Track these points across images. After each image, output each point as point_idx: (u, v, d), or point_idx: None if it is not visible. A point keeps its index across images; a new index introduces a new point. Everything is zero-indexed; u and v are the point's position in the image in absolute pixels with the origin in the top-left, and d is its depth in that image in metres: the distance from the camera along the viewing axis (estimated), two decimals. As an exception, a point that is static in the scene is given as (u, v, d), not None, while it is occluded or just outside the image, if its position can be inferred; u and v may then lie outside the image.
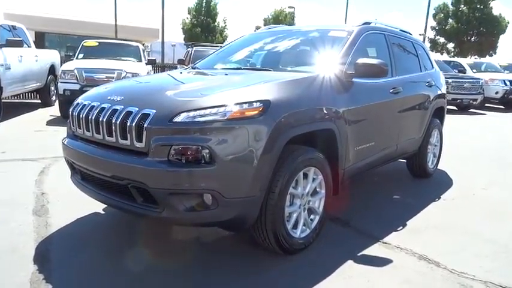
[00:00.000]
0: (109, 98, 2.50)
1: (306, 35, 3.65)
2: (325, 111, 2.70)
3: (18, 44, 7.89)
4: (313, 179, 2.68)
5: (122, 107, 2.32)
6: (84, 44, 9.31)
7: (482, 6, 29.15)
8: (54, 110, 9.17)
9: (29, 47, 9.16)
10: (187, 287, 2.27)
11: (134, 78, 3.30)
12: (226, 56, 3.81)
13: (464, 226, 3.28)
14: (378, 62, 2.95)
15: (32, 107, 9.71)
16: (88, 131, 2.51)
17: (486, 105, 14.54)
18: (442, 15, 30.71)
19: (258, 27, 40.80)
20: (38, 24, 28.34)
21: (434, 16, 31.23)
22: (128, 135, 2.24)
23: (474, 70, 14.81)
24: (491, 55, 31.14)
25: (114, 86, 2.90)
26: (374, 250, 2.77)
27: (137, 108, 2.25)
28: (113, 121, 2.30)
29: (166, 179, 2.13)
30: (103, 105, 2.43)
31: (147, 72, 8.86)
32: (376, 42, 3.64)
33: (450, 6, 31.26)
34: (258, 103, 2.27)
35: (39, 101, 10.35)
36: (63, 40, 35.00)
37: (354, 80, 3.04)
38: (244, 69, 3.26)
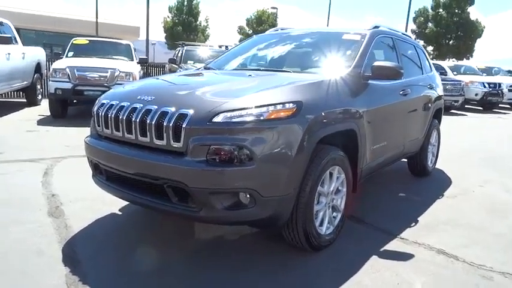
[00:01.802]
0: (139, 97, 2.51)
1: (319, 37, 3.73)
2: (348, 112, 2.79)
3: (7, 41, 7.69)
4: (337, 178, 2.76)
5: (156, 107, 2.34)
6: (74, 42, 9.14)
7: (460, 11, 30.28)
8: (43, 110, 8.97)
9: (15, 44, 8.92)
10: (218, 285, 2.31)
11: (157, 78, 3.26)
12: (240, 57, 3.85)
13: (471, 221, 3.43)
14: (394, 65, 3.06)
15: (18, 107, 9.46)
16: (118, 131, 2.51)
17: (466, 106, 15.04)
18: (422, 19, 31.64)
19: (240, 27, 40.99)
20: (13, 20, 27.45)
21: (414, 20, 32.14)
22: (164, 136, 2.26)
23: (454, 72, 15.29)
24: (468, 58, 32.25)
25: (141, 85, 2.91)
26: (394, 245, 2.88)
27: (173, 109, 2.28)
28: (148, 121, 2.31)
29: (206, 178, 2.17)
30: (134, 105, 2.44)
31: (138, 72, 8.78)
32: (385, 46, 3.76)
33: (430, 11, 32.28)
34: (292, 104, 2.33)
35: (25, 100, 10.10)
36: (40, 37, 34.04)
37: (369, 81, 3.14)
38: (263, 70, 3.30)
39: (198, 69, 3.92)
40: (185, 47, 10.57)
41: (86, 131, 3.03)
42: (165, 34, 40.18)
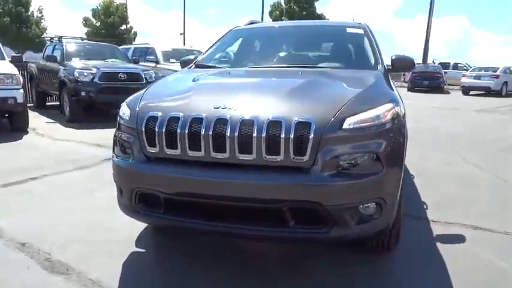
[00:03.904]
0: (215, 107, 2.03)
1: (324, 31, 3.61)
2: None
3: None
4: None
5: (257, 116, 1.93)
6: None
7: (308, 6, 33.64)
8: None
9: None
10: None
11: (194, 80, 2.60)
12: (245, 53, 3.46)
13: (459, 195, 3.87)
14: (410, 57, 3.18)
15: None
16: (196, 150, 1.98)
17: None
18: (278, 12, 33.97)
19: (85, 19, 36.91)
20: None
21: (270, 13, 34.28)
22: (281, 150, 1.88)
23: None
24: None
25: (201, 92, 2.35)
26: (436, 229, 3.03)
27: (284, 117, 1.91)
28: (254, 135, 1.89)
29: (346, 193, 1.91)
30: (221, 117, 1.96)
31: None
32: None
33: (283, 5, 34.88)
34: (391, 103, 2.20)
35: None
36: None
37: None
38: (300, 67, 2.96)
39: (190, 67, 3.35)
40: (64, 42, 8.99)
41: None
42: (-12, 26, 33.54)
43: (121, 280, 2.29)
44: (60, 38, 9.44)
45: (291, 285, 2.25)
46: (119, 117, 2.37)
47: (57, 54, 8.82)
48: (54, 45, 9.34)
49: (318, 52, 3.41)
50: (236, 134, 1.91)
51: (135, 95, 2.49)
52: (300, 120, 1.90)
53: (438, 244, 2.77)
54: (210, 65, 3.28)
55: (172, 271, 2.43)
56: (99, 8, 35.69)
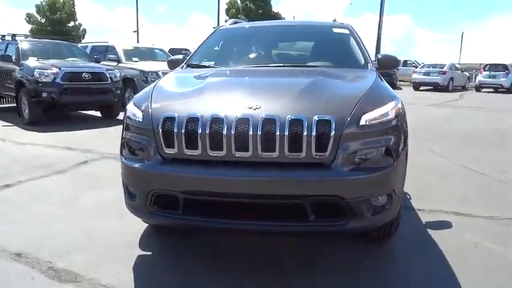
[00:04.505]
0: (234, 106, 2.07)
1: (311, 31, 3.69)
2: None
3: None
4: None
5: (279, 115, 1.98)
6: None
7: (264, 4, 33.96)
8: None
9: None
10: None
11: (214, 81, 2.58)
12: (236, 53, 3.47)
13: (435, 185, 4.14)
14: (393, 55, 3.37)
15: None
16: (218, 149, 2.00)
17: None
18: (234, 10, 33.90)
19: (29, 15, 34.83)
20: None
21: (227, 11, 34.12)
22: (304, 147, 1.95)
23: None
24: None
25: (213, 91, 2.34)
26: (424, 217, 3.23)
27: (306, 116, 1.98)
28: (277, 133, 1.94)
29: (365, 186, 2.01)
30: (242, 116, 1.99)
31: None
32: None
33: (239, 3, 34.90)
34: (395, 100, 2.34)
35: None
36: None
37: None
38: (296, 66, 3.04)
39: (182, 67, 3.31)
40: (18, 40, 8.45)
41: None
42: None
43: (136, 283, 2.25)
44: (13, 35, 8.87)
45: (295, 284, 2.30)
46: (127, 119, 2.32)
47: (11, 53, 8.28)
48: (7, 44, 8.77)
49: (308, 51, 3.51)
50: (259, 132, 1.95)
51: (141, 95, 2.46)
52: (320, 118, 1.97)
53: (429, 231, 2.97)
54: (203, 64, 3.27)
55: (176, 270, 2.43)
56: (44, 3, 33.78)
